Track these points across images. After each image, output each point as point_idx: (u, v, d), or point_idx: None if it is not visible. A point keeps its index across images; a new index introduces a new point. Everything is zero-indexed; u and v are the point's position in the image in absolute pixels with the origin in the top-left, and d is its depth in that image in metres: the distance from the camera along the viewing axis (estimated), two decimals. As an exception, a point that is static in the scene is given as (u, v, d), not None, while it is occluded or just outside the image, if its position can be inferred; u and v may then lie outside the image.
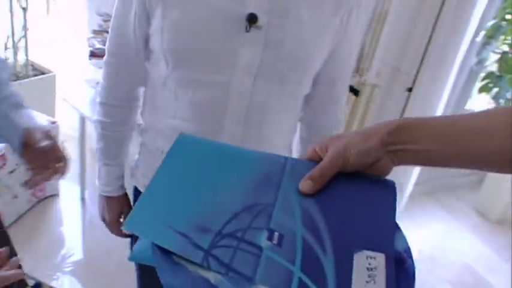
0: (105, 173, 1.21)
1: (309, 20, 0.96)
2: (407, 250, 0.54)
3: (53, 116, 2.89)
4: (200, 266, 0.49)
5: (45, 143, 0.91)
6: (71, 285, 2.28)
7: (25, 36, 3.06)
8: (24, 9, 3.11)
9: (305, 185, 0.57)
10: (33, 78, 2.97)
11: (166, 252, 0.50)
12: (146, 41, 1.03)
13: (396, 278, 0.50)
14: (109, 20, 2.94)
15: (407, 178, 2.83)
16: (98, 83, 3.10)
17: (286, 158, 0.64)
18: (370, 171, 0.60)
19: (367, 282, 0.49)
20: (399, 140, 0.58)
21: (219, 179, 0.60)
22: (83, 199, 2.84)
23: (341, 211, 0.57)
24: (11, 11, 2.94)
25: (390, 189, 0.60)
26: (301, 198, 0.58)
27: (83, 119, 2.66)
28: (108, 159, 1.20)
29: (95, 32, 3.05)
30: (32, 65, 3.12)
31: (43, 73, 3.08)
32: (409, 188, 2.89)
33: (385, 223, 0.56)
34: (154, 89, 1.09)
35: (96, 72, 3.16)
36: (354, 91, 2.50)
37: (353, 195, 0.59)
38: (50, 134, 0.91)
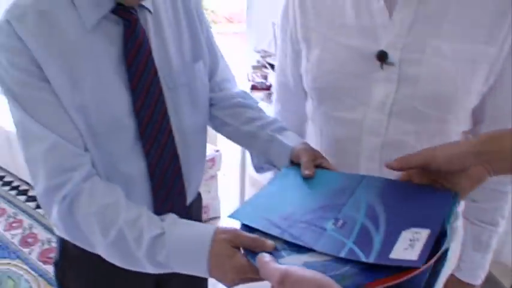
0: None
1: (451, 53, 0.87)
2: (445, 251, 0.63)
3: (215, 145, 3.16)
4: (277, 239, 0.68)
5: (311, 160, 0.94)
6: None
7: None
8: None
9: (391, 162, 0.69)
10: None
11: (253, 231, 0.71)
12: (301, 80, 1.08)
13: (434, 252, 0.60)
14: (266, 57, 3.17)
15: None
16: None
17: (364, 176, 0.83)
18: (464, 179, 0.67)
19: (405, 248, 0.61)
20: (492, 149, 0.58)
21: (307, 191, 0.82)
22: (242, 224, 3.04)
23: (401, 207, 0.71)
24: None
25: (448, 195, 0.71)
26: (370, 198, 0.74)
27: (244, 149, 2.86)
28: None
29: (254, 67, 3.30)
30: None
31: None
32: None
33: (437, 217, 0.66)
34: (309, 123, 1.14)
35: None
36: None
37: (415, 196, 0.73)
38: (317, 153, 0.95)
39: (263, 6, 3.32)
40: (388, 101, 0.92)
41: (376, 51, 0.90)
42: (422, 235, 0.64)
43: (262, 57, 3.15)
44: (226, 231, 0.74)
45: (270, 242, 0.68)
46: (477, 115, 0.96)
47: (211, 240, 0.73)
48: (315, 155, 0.92)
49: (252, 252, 0.68)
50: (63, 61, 0.84)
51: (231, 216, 0.75)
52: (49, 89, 0.83)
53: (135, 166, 0.94)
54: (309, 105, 1.09)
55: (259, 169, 1.13)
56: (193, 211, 1.16)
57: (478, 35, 0.86)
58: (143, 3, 0.91)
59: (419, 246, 0.61)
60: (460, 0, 0.86)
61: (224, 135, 1.15)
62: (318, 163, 0.90)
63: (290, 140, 1.00)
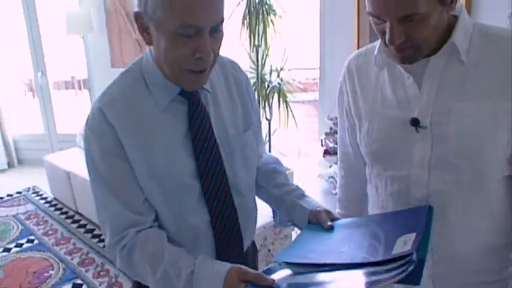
0: None
1: (473, 112, 1.02)
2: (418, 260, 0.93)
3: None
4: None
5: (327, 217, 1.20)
6: None
7: (269, 142, 3.67)
8: (269, 120, 3.78)
9: None
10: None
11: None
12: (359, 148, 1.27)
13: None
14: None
15: None
16: (330, 177, 3.52)
17: (364, 216, 1.25)
18: None
19: (401, 247, 0.94)
20: None
21: (327, 238, 1.13)
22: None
23: (393, 225, 1.07)
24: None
25: (424, 208, 1.07)
26: (372, 227, 1.10)
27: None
28: None
29: (326, 133, 3.51)
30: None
31: (283, 170, 3.64)
32: None
33: (419, 224, 1.01)
34: (367, 183, 1.31)
35: (329, 167, 3.57)
36: None
37: (402, 216, 1.11)
38: (332, 214, 1.21)
39: (334, 77, 3.56)
40: (426, 157, 1.09)
41: (410, 118, 1.09)
42: (411, 236, 0.96)
43: (335, 124, 3.34)
44: (237, 268, 1.00)
45: (270, 278, 0.97)
46: None
47: (225, 275, 0.99)
48: (328, 213, 1.19)
49: (256, 285, 0.97)
50: (141, 137, 1.08)
51: (277, 259, 1.08)
52: (127, 168, 1.08)
53: (200, 218, 1.14)
54: (367, 169, 1.28)
55: (281, 225, 1.33)
56: (249, 257, 1.33)
57: (495, 94, 1.02)
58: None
59: (410, 243, 0.94)
60: (476, 67, 1.04)
61: (256, 195, 1.34)
62: (332, 218, 1.19)
63: (309, 204, 1.22)
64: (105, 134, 1.06)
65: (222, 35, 1.06)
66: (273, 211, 1.32)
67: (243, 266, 1.00)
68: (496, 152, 1.06)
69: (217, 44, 1.05)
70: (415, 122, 1.08)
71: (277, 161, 1.39)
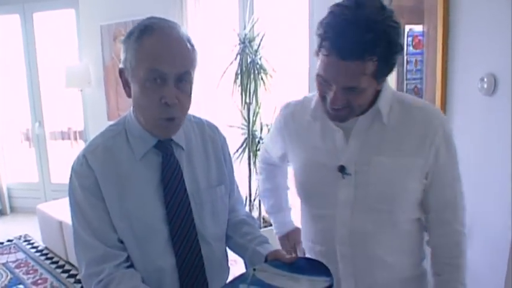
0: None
1: (390, 164, 1.24)
2: None
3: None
4: None
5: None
6: None
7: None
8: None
9: None
10: (264, 228, 3.60)
11: None
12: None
13: None
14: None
15: None
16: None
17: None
18: None
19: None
20: None
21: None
22: None
23: None
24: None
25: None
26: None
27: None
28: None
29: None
30: (263, 218, 3.76)
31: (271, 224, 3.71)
32: None
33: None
34: (301, 216, 1.49)
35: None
36: None
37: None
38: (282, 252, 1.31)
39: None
40: (349, 200, 1.28)
41: (338, 165, 1.28)
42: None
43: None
44: None
45: None
46: (425, 206, 1.31)
47: None
48: (282, 253, 1.28)
49: None
50: (117, 182, 1.21)
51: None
52: (103, 207, 1.20)
53: (167, 261, 1.25)
54: (300, 205, 1.48)
55: None
56: None
57: (408, 151, 1.25)
58: (177, 141, 1.27)
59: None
60: (394, 128, 1.26)
61: (227, 246, 1.44)
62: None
63: (266, 250, 1.30)
64: (86, 176, 1.20)
65: (190, 88, 1.20)
66: (244, 261, 1.42)
67: None
68: (408, 197, 1.28)
69: (185, 95, 1.18)
70: (341, 169, 1.28)
71: (249, 214, 1.51)
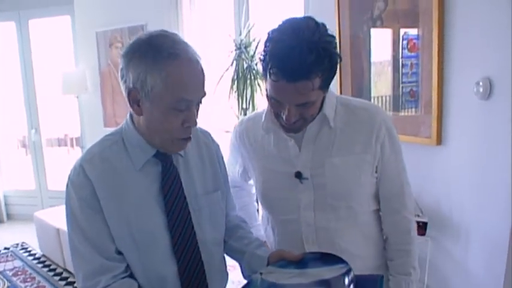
0: None
1: (342, 164, 1.34)
2: None
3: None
4: None
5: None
6: None
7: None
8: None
9: None
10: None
11: None
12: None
13: None
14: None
15: None
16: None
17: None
18: None
19: None
20: None
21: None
22: None
23: None
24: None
25: (376, 277, 1.18)
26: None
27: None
28: None
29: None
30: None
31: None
32: None
33: None
34: (265, 226, 1.57)
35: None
36: None
37: (356, 283, 1.11)
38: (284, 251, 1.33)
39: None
40: (310, 202, 1.38)
41: (294, 172, 1.37)
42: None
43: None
44: None
45: None
46: (378, 198, 1.43)
47: None
48: (287, 251, 1.27)
49: None
50: (115, 192, 1.20)
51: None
52: (101, 218, 1.19)
53: (169, 269, 1.25)
54: (264, 214, 1.56)
55: (247, 278, 1.39)
56: None
57: (357, 149, 1.35)
58: None
59: None
60: (341, 130, 1.35)
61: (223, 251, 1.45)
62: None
63: (265, 252, 1.32)
64: (84, 186, 1.19)
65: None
66: (240, 265, 1.42)
67: None
68: (363, 192, 1.39)
69: (198, 114, 1.22)
70: (298, 175, 1.37)
71: (242, 219, 1.53)
